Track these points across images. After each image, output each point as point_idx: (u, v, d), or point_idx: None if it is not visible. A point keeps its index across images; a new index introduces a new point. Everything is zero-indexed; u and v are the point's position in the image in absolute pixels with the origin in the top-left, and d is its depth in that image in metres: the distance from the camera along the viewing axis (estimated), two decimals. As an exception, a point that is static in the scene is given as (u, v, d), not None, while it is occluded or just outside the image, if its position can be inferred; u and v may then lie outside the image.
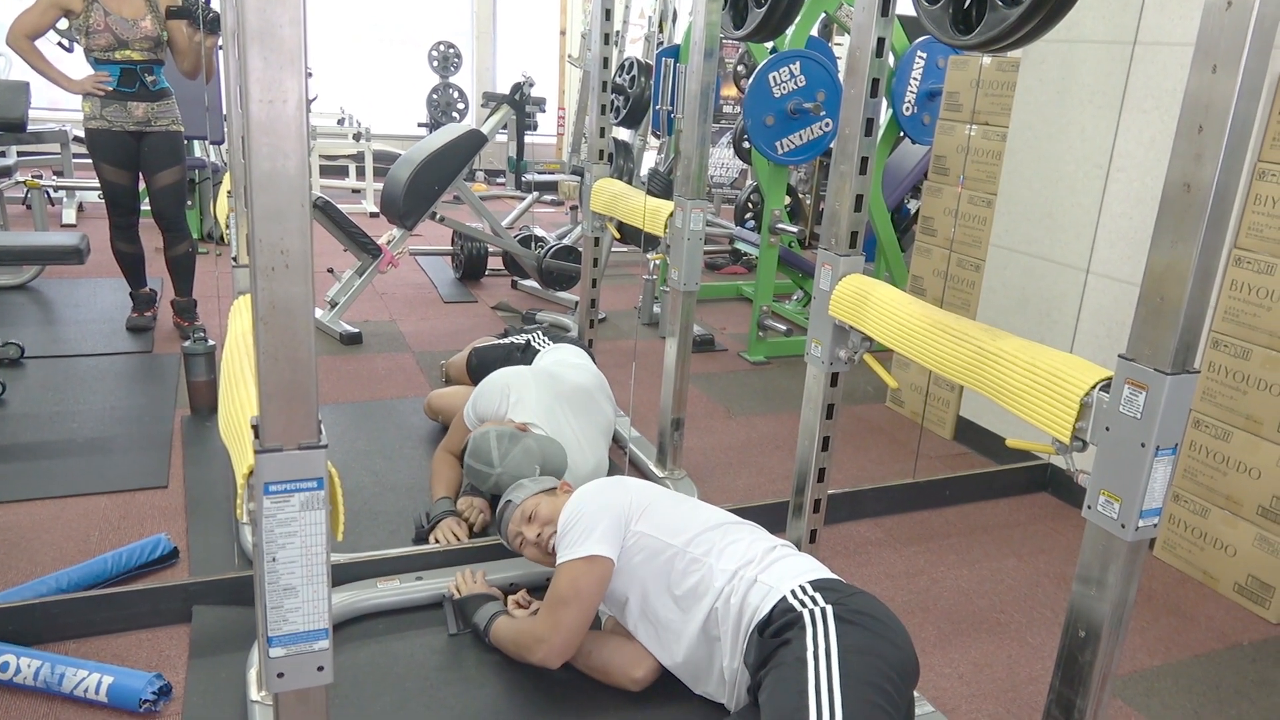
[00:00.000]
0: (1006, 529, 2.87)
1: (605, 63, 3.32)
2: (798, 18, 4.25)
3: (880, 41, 1.92)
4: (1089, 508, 1.45)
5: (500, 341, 3.36)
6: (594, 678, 1.98)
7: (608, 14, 3.27)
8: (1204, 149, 1.25)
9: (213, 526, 2.53)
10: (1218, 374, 2.55)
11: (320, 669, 0.97)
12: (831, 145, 4.05)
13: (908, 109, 4.20)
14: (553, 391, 2.73)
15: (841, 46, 6.27)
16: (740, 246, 5.81)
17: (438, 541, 2.43)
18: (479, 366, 3.24)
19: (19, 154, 6.61)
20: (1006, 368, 1.59)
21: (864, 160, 1.98)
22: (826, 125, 4.02)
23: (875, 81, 1.94)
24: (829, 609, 1.68)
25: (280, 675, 0.95)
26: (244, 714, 1.83)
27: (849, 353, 2.04)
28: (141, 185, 3.95)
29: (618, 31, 6.86)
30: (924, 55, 4.14)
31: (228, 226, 2.42)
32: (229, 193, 2.30)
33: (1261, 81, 1.22)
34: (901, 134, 4.31)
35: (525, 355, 3.17)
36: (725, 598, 1.81)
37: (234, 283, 1.99)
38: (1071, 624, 1.51)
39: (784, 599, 1.73)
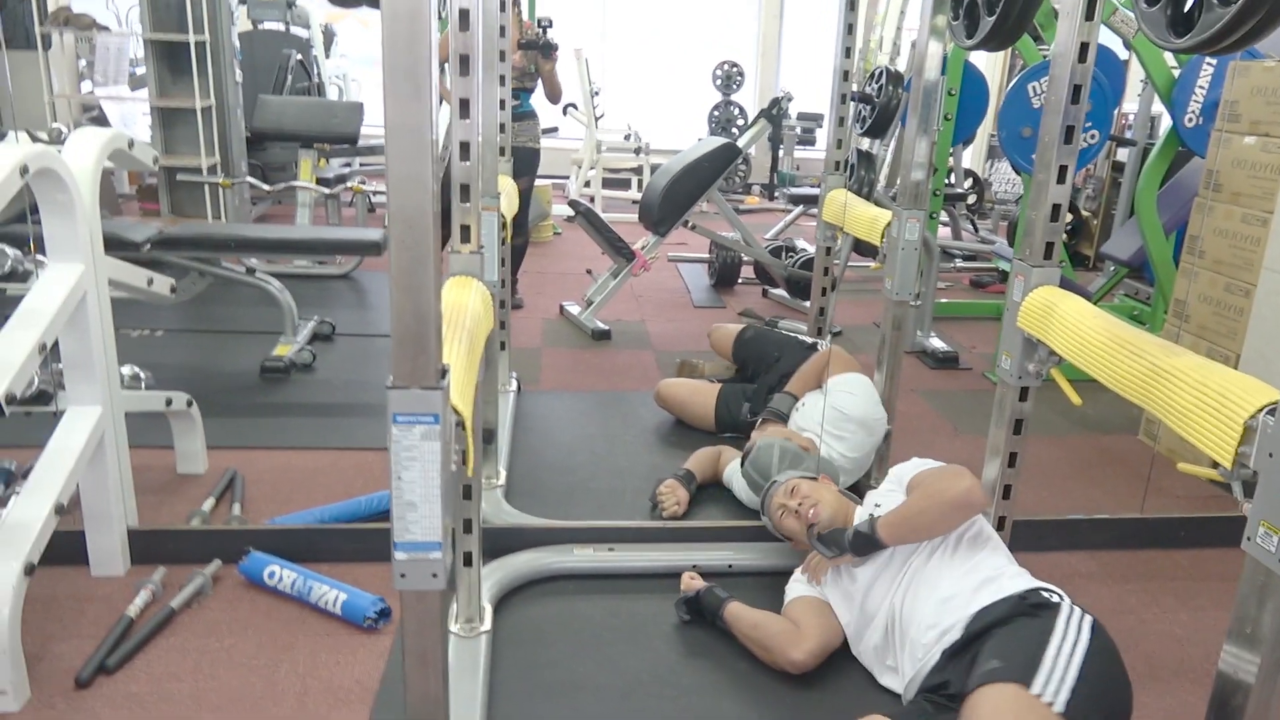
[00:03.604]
0: (1251, 581, 2.58)
1: (845, 75, 3.38)
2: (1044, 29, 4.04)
3: (1084, 46, 1.86)
4: (1248, 539, 1.35)
5: (784, 332, 3.53)
6: (754, 653, 2.08)
7: (849, 28, 3.33)
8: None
9: (451, 485, 2.91)
10: None
11: (434, 575, 1.18)
12: (1094, 159, 3.82)
13: (1190, 120, 3.84)
14: (840, 415, 2.77)
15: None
16: (1001, 265, 5.55)
17: (661, 495, 2.72)
18: (753, 339, 3.45)
19: (361, 164, 7.73)
20: (1177, 386, 1.51)
21: (1062, 169, 1.92)
22: (1093, 137, 3.78)
23: (1078, 88, 1.88)
24: (1089, 617, 1.79)
25: (403, 575, 1.17)
26: (443, 639, 2.12)
27: (1037, 366, 1.99)
28: None
29: (866, 41, 6.81)
30: (1213, 62, 3.77)
31: None
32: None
33: None
34: (1182, 147, 3.94)
35: (805, 353, 3.18)
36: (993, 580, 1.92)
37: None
38: (1226, 667, 1.40)
39: (1038, 589, 1.88)
